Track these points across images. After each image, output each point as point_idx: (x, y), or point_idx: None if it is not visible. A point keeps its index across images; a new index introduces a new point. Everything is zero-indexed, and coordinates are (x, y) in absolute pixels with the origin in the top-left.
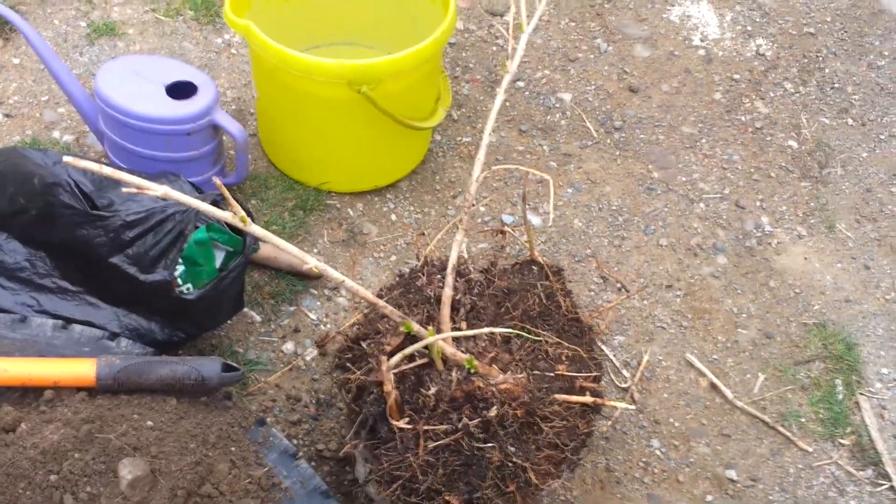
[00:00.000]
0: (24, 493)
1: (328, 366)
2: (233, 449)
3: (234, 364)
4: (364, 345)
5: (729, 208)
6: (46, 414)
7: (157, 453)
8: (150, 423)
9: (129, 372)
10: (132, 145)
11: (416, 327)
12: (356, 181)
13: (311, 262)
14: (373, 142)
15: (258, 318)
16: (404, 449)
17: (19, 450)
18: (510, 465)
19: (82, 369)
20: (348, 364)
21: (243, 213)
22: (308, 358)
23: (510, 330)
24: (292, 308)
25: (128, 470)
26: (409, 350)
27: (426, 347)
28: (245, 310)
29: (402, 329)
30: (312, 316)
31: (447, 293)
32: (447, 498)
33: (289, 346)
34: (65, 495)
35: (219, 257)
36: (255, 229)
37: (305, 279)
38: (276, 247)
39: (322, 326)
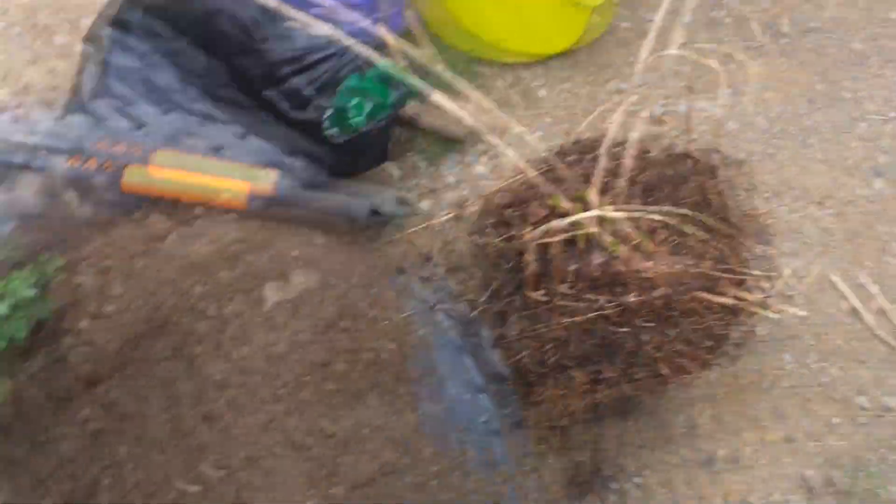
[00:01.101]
0: (169, 301)
1: (465, 229)
2: (373, 291)
3: (383, 209)
4: (507, 213)
5: (892, 132)
6: (196, 229)
7: (300, 282)
8: (295, 252)
9: (286, 197)
10: None
11: (564, 202)
12: (509, 50)
13: (469, 121)
14: (533, 9)
15: (397, 174)
16: (537, 320)
17: (167, 259)
18: (642, 353)
19: (239, 189)
20: (488, 230)
21: (403, 62)
22: (443, 219)
23: (659, 216)
24: (431, 168)
25: (273, 293)
26: (554, 224)
27: (572, 224)
28: (386, 163)
29: (549, 202)
30: (450, 179)
31: (599, 173)
32: (574, 374)
33: (424, 205)
34: (210, 308)
35: (367, 107)
36: (417, 81)
37: (449, 142)
38: (434, 104)
39: (460, 190)
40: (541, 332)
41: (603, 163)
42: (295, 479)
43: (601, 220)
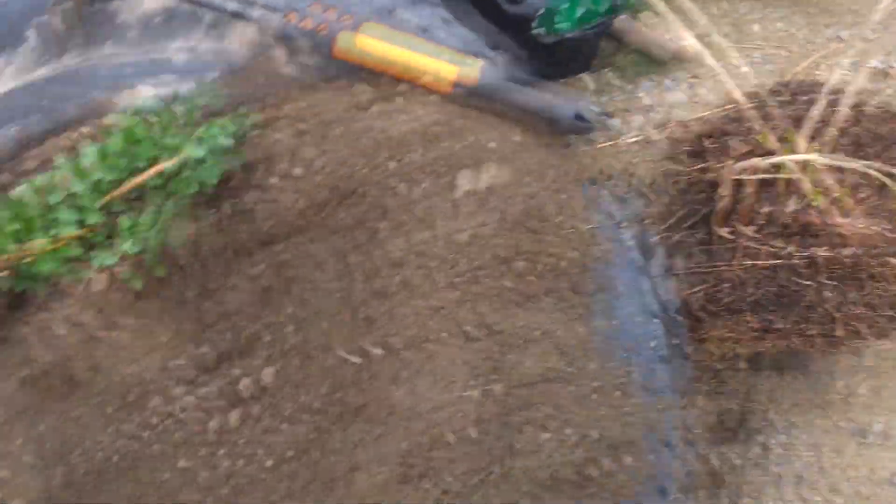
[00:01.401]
0: (361, 172)
1: (652, 153)
2: (563, 196)
3: (587, 116)
4: (705, 143)
5: None
6: (399, 105)
7: (494, 175)
8: (492, 144)
9: (489, 88)
10: None
11: (773, 140)
12: None
13: (690, 41)
14: None
15: (592, 87)
16: (718, 257)
17: (366, 130)
18: (821, 309)
19: (445, 72)
20: (684, 157)
21: None
22: (631, 139)
23: (869, 171)
24: (628, 87)
25: (465, 181)
26: (756, 162)
27: (774, 166)
28: (584, 74)
29: (754, 138)
30: (645, 101)
31: (811, 118)
32: (747, 318)
33: (615, 122)
34: (400, 185)
35: (578, 12)
36: None
37: (649, 63)
38: (642, 22)
39: (653, 114)
40: (720, 269)
41: (818, 108)
42: (457, 368)
43: (805, 167)
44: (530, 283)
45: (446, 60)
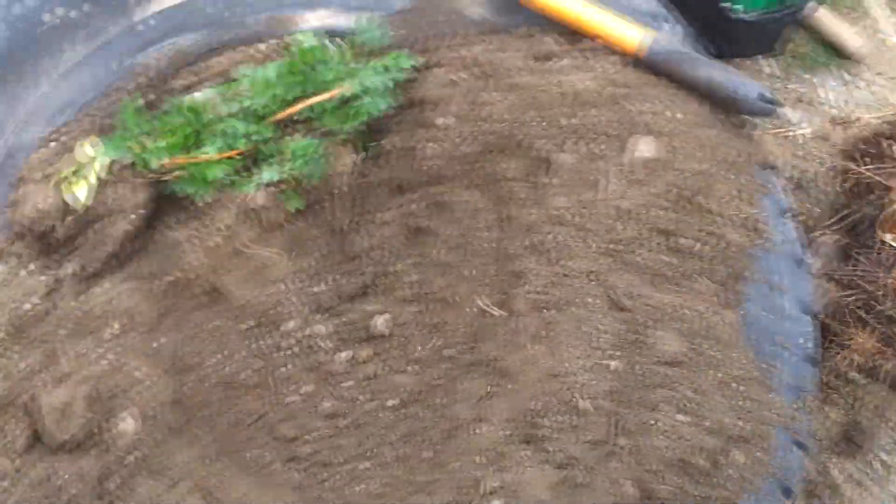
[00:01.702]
0: (534, 124)
1: (826, 148)
2: (732, 177)
3: (772, 97)
4: (885, 144)
5: None
6: (579, 61)
7: (667, 145)
8: (669, 114)
9: (673, 57)
10: None
11: None
12: None
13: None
14: None
15: (767, 71)
16: (878, 263)
17: (545, 81)
18: None
19: (630, 34)
20: (857, 156)
21: None
22: (801, 131)
23: None
24: (807, 76)
25: (638, 146)
26: None
27: None
28: (761, 57)
29: None
30: (825, 95)
31: None
32: None
33: (786, 112)
34: (570, 143)
35: None
36: None
37: (836, 55)
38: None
39: (828, 107)
40: (880, 277)
41: None
42: (600, 336)
43: None
44: (688, 261)
45: (625, 25)
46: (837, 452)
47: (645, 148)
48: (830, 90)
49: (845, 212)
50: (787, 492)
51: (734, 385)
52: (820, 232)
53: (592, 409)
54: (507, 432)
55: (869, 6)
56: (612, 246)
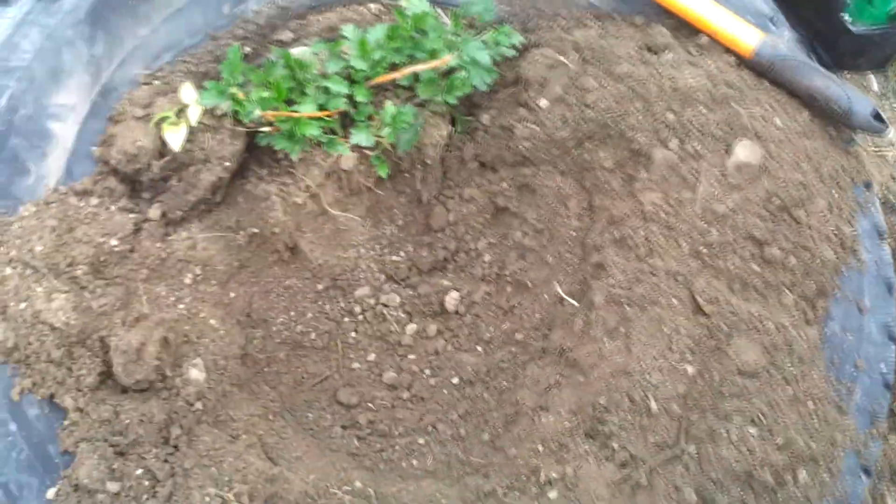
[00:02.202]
0: (635, 116)
1: None
2: (834, 193)
3: (883, 116)
4: None
5: None
6: (693, 57)
7: (771, 151)
8: (778, 121)
9: (786, 64)
10: None
11: None
12: None
13: None
14: None
15: (875, 88)
16: None
17: (652, 74)
18: None
19: (746, 35)
20: None
21: None
22: None
23: None
24: None
25: (743, 151)
26: None
27: None
28: (869, 72)
29: None
30: None
31: None
32: None
33: (889, 130)
34: (672, 140)
35: (892, 9)
36: None
37: None
38: None
39: None
40: None
41: None
42: (679, 338)
43: None
44: (777, 273)
45: (741, 24)
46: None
47: (747, 153)
48: None
49: None
50: None
51: (809, 403)
52: None
53: (663, 410)
54: (571, 424)
55: None
56: (701, 248)
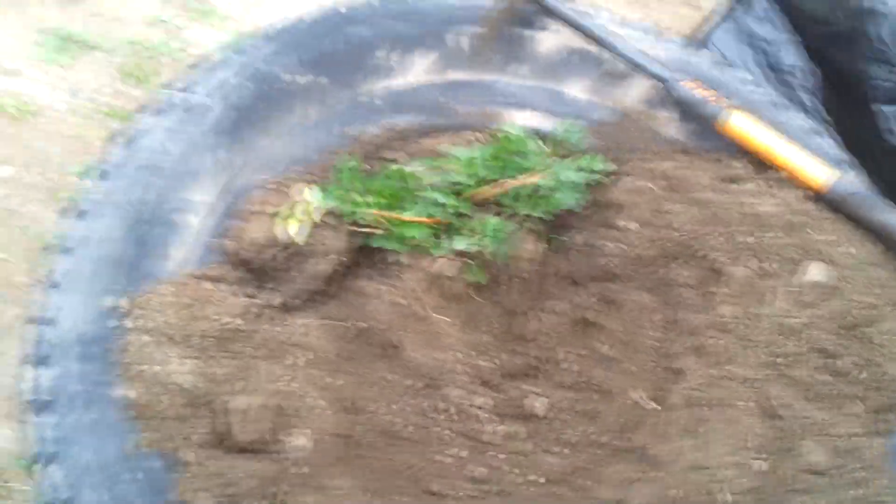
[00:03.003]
0: (715, 238)
1: None
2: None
3: None
4: None
5: None
6: (763, 187)
7: (839, 274)
8: (843, 248)
9: (857, 199)
10: None
11: None
12: None
13: None
14: None
15: None
16: None
17: (728, 201)
18: None
19: (818, 171)
20: None
21: None
22: None
23: None
24: None
25: (811, 270)
26: None
27: None
28: None
29: None
30: None
31: None
32: None
33: None
34: (750, 260)
35: None
36: None
37: None
38: None
39: None
40: None
41: None
42: (751, 437)
43: None
44: (845, 384)
45: (814, 161)
46: None
47: (817, 272)
48: None
49: None
50: None
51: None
52: None
53: (732, 502)
54: None
55: None
56: (772, 359)
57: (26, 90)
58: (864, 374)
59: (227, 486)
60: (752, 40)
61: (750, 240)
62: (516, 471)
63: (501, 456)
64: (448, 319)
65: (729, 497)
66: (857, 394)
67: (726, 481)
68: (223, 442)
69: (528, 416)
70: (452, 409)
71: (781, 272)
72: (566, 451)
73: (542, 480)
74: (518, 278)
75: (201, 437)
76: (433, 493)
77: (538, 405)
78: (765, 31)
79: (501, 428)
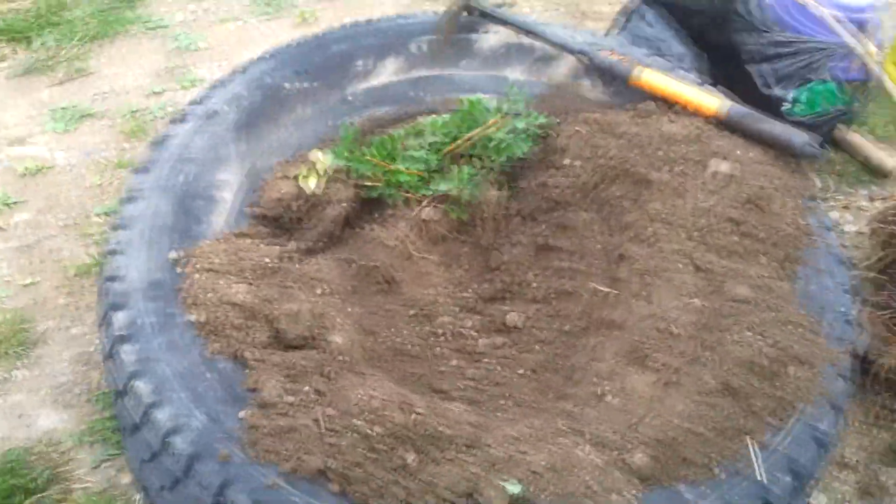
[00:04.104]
0: (636, 158)
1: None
2: (787, 196)
3: (817, 147)
4: None
5: None
6: (672, 117)
7: (736, 167)
8: (739, 152)
9: (738, 114)
10: None
11: None
12: None
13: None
14: None
15: (818, 184)
16: None
17: (645, 130)
18: None
19: (711, 102)
20: (890, 217)
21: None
22: (847, 227)
23: None
24: (851, 190)
25: (715, 165)
26: None
27: None
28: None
29: None
30: (868, 204)
31: None
32: None
33: (834, 215)
34: (664, 166)
35: (819, 108)
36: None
37: (871, 174)
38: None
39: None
40: None
41: None
42: (686, 286)
43: None
44: (753, 243)
45: (707, 97)
46: (886, 463)
47: (721, 166)
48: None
49: (880, 254)
50: (837, 409)
51: (789, 326)
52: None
53: (682, 332)
54: (616, 360)
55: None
56: (695, 233)
57: (41, 154)
58: (766, 233)
59: (288, 370)
60: (646, 42)
61: (664, 153)
62: (506, 370)
63: (488, 360)
64: (434, 258)
65: (675, 329)
66: (762, 250)
67: (674, 320)
68: (278, 341)
69: (509, 330)
70: (447, 332)
71: (693, 172)
72: (540, 346)
73: (528, 372)
74: (486, 220)
75: (259, 339)
76: (442, 391)
77: (516, 318)
78: (654, 32)
79: (488, 341)
